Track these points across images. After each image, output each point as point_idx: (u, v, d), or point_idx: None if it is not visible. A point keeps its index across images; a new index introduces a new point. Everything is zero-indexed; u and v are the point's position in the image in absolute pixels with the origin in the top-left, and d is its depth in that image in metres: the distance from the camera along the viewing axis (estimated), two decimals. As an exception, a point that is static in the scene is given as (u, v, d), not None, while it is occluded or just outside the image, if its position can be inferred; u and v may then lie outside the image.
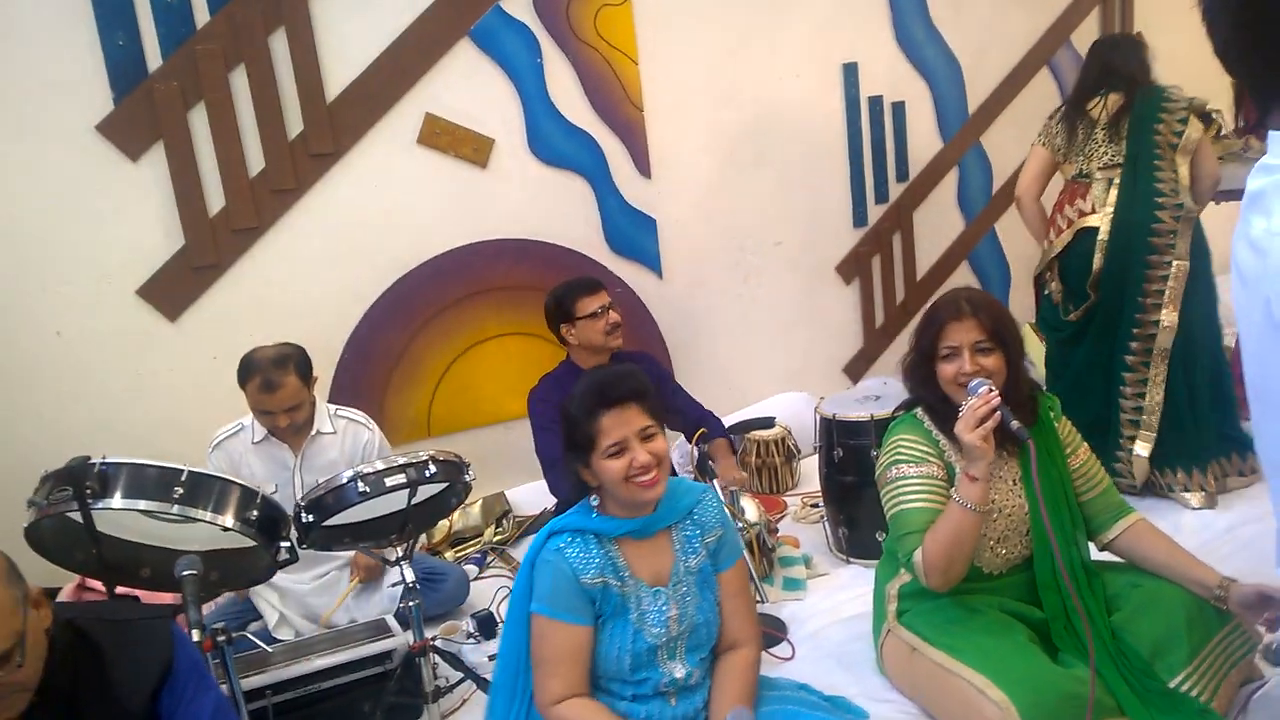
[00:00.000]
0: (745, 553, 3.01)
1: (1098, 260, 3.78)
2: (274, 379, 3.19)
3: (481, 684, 2.83)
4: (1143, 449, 3.75)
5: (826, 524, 3.77)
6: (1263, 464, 1.35)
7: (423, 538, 3.90)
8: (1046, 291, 4.08)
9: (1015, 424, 2.35)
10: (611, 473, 2.13)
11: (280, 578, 3.22)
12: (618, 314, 3.78)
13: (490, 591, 3.73)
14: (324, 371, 3.79)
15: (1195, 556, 2.51)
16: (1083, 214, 3.87)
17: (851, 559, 3.63)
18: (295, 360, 3.27)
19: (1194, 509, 3.67)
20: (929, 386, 2.56)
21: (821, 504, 3.85)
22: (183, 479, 2.38)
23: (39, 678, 1.72)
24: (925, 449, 2.55)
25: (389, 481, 2.62)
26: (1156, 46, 5.87)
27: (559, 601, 2.15)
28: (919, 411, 2.64)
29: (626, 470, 2.12)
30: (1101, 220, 3.79)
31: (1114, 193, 3.80)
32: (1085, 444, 2.67)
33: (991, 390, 2.38)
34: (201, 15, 3.70)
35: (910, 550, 2.45)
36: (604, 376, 2.22)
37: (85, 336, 3.70)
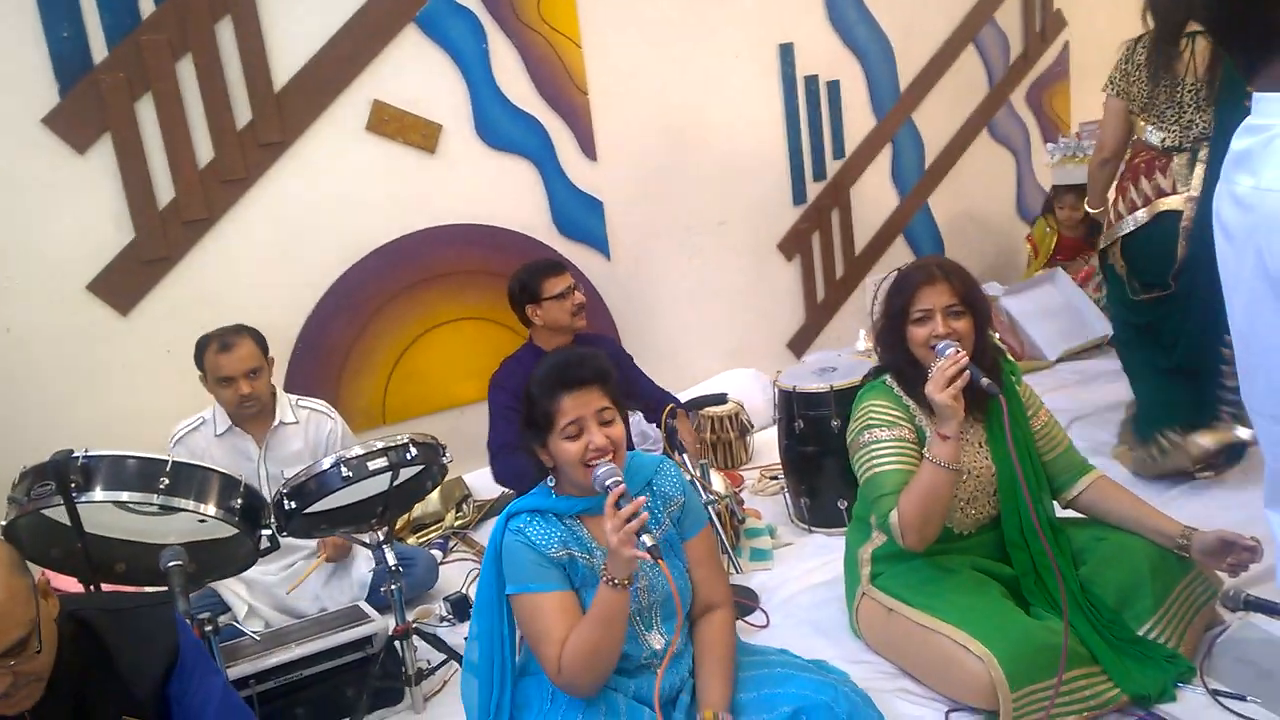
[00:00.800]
0: (716, 524, 3.09)
1: (1181, 248, 3.33)
2: (230, 340, 3.26)
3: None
4: (1245, 433, 3.39)
5: (788, 495, 3.85)
6: (1250, 412, 1.43)
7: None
8: (1109, 262, 3.67)
9: (985, 381, 2.42)
10: (567, 454, 2.14)
11: (248, 570, 3.21)
12: (582, 295, 3.81)
13: (457, 575, 3.75)
14: (278, 363, 3.76)
15: (1156, 508, 2.63)
16: (1161, 193, 3.40)
17: (814, 528, 3.71)
18: (249, 330, 3.34)
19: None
20: (899, 350, 2.63)
21: (781, 475, 3.93)
22: (167, 469, 2.38)
23: (51, 667, 1.72)
24: (896, 413, 2.62)
25: (371, 465, 2.63)
26: (1077, 22, 6.11)
27: (533, 574, 2.17)
28: (887, 378, 2.71)
29: (582, 453, 2.13)
30: (1185, 204, 3.33)
31: (1199, 171, 3.31)
32: (1045, 406, 2.77)
33: (959, 351, 2.44)
34: (147, 5, 3.64)
35: (886, 511, 2.52)
36: (566, 357, 2.24)
37: (35, 333, 3.63)
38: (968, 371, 2.41)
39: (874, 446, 2.60)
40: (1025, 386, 2.76)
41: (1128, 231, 3.50)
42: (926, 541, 2.50)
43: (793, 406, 3.68)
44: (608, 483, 2.04)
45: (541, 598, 2.15)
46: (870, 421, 2.63)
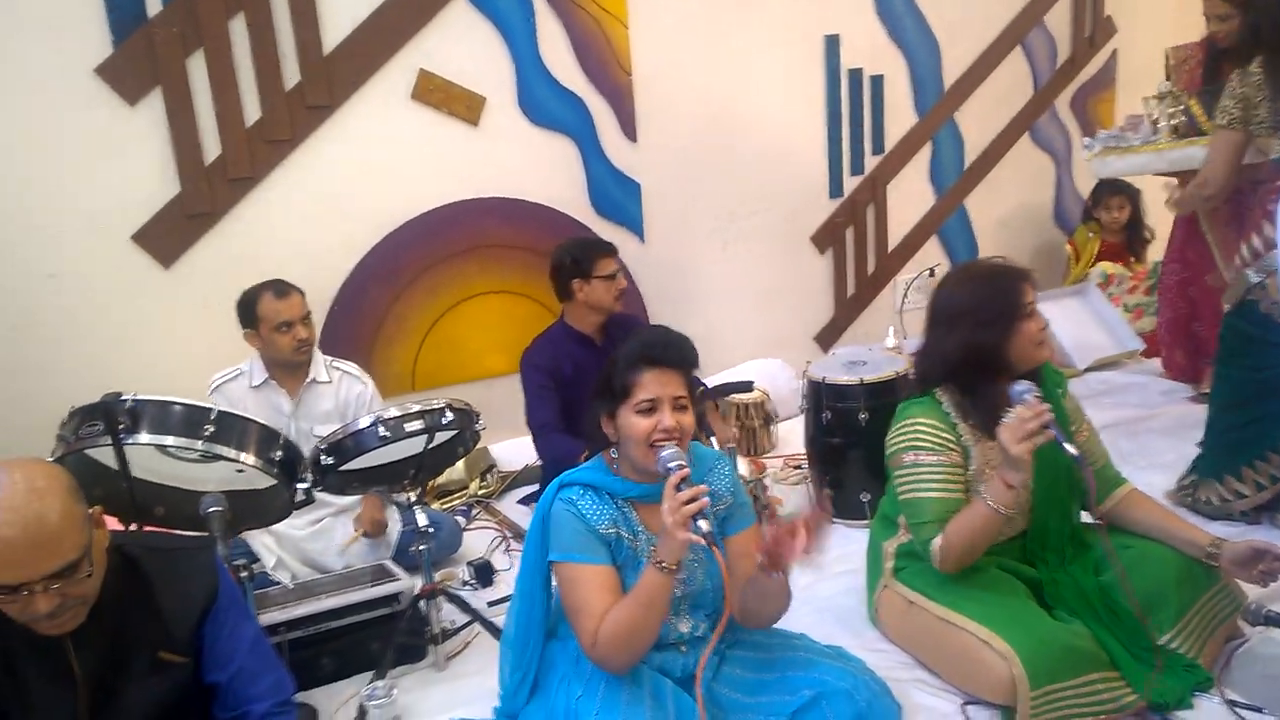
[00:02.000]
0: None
1: None
2: (284, 288, 3.35)
3: (489, 628, 2.90)
4: None
5: (811, 485, 3.87)
6: None
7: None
8: (1251, 299, 3.22)
9: (1072, 449, 2.36)
10: (636, 429, 2.15)
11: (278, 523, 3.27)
12: (624, 280, 3.85)
13: (479, 542, 3.81)
14: (315, 323, 3.80)
15: (1185, 519, 2.64)
16: None
17: (836, 519, 3.72)
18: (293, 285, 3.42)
19: None
20: (982, 363, 2.52)
21: (805, 465, 3.95)
22: (212, 417, 2.43)
23: (97, 593, 1.77)
24: (945, 436, 2.57)
25: (408, 427, 2.68)
26: (1127, 30, 6.08)
27: (579, 545, 2.19)
28: (938, 392, 2.64)
29: (650, 431, 2.14)
30: None
31: None
32: (1087, 420, 2.76)
33: (1042, 399, 2.39)
34: (202, -39, 3.69)
35: (927, 539, 2.52)
36: (660, 336, 2.24)
37: (80, 280, 3.69)
38: (1050, 430, 2.34)
39: (920, 470, 2.56)
40: (1071, 398, 2.74)
41: (1252, 284, 3.19)
42: (962, 569, 2.53)
43: (821, 398, 3.70)
44: (671, 465, 2.06)
45: (586, 569, 2.18)
46: (918, 443, 2.57)
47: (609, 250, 3.83)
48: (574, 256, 3.77)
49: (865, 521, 3.30)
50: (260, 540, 3.36)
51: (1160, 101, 4.15)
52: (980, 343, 2.52)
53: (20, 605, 1.66)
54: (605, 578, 2.18)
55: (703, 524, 1.98)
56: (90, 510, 1.75)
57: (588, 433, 2.35)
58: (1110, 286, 5.56)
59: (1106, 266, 5.60)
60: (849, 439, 3.64)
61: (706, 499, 2.00)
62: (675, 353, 2.20)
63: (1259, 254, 3.18)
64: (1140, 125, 4.32)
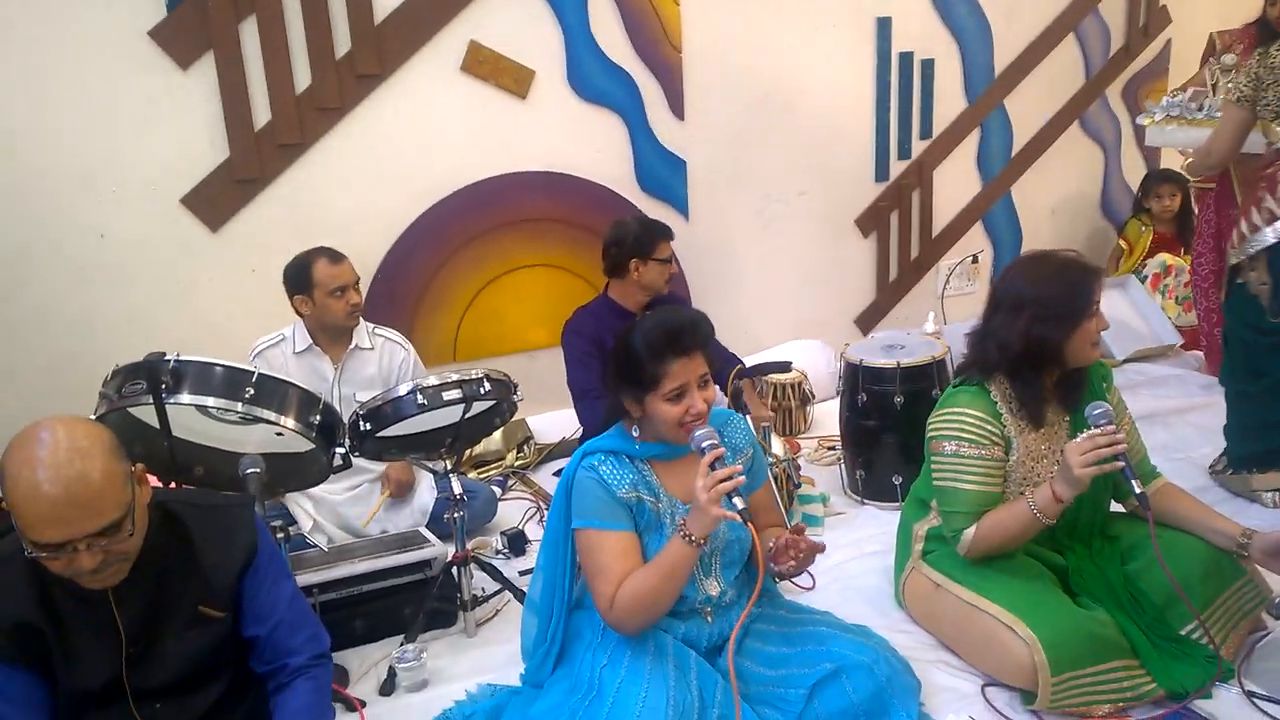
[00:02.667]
0: (772, 485, 3.13)
1: None
2: (336, 254, 3.39)
3: (519, 595, 2.94)
4: None
5: (844, 466, 3.88)
6: None
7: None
8: (1241, 281, 3.40)
9: (1139, 487, 2.36)
10: (668, 415, 2.19)
11: (316, 487, 3.32)
12: (676, 265, 3.86)
13: (513, 512, 3.85)
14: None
15: (1217, 511, 2.64)
16: None
17: (867, 501, 3.75)
18: None
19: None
20: (1044, 358, 2.52)
21: (839, 447, 3.97)
22: (253, 380, 2.47)
23: (139, 550, 1.82)
24: (989, 429, 2.55)
25: (446, 396, 2.72)
26: (1181, 20, 5.98)
27: (601, 511, 2.23)
28: (987, 381, 2.61)
29: (682, 415, 2.18)
30: None
31: None
32: (1129, 413, 2.74)
33: (1114, 427, 2.37)
34: (256, -72, 3.73)
35: (959, 529, 2.55)
36: (679, 321, 2.24)
37: (128, 240, 3.76)
38: (1121, 463, 2.33)
39: (960, 461, 2.56)
40: (1114, 391, 2.72)
41: (1270, 244, 3.26)
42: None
43: (858, 380, 3.70)
44: (704, 445, 2.10)
45: (605, 535, 2.22)
46: (962, 434, 2.56)
47: (669, 235, 3.85)
48: (636, 235, 3.78)
49: (896, 504, 3.30)
50: (298, 504, 3.42)
51: (1225, 73, 4.08)
52: (1042, 336, 2.49)
53: (64, 562, 1.71)
54: (625, 543, 2.22)
55: (737, 501, 2.02)
56: (133, 468, 1.80)
57: (609, 412, 2.39)
58: (1167, 278, 5.49)
59: (1166, 258, 5.52)
60: (883, 422, 3.65)
61: (742, 478, 2.04)
62: (699, 336, 2.23)
63: (1275, 216, 3.24)
64: (1205, 99, 4.24)
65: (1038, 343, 2.49)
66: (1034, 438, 2.58)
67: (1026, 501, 2.45)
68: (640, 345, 2.20)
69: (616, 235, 3.83)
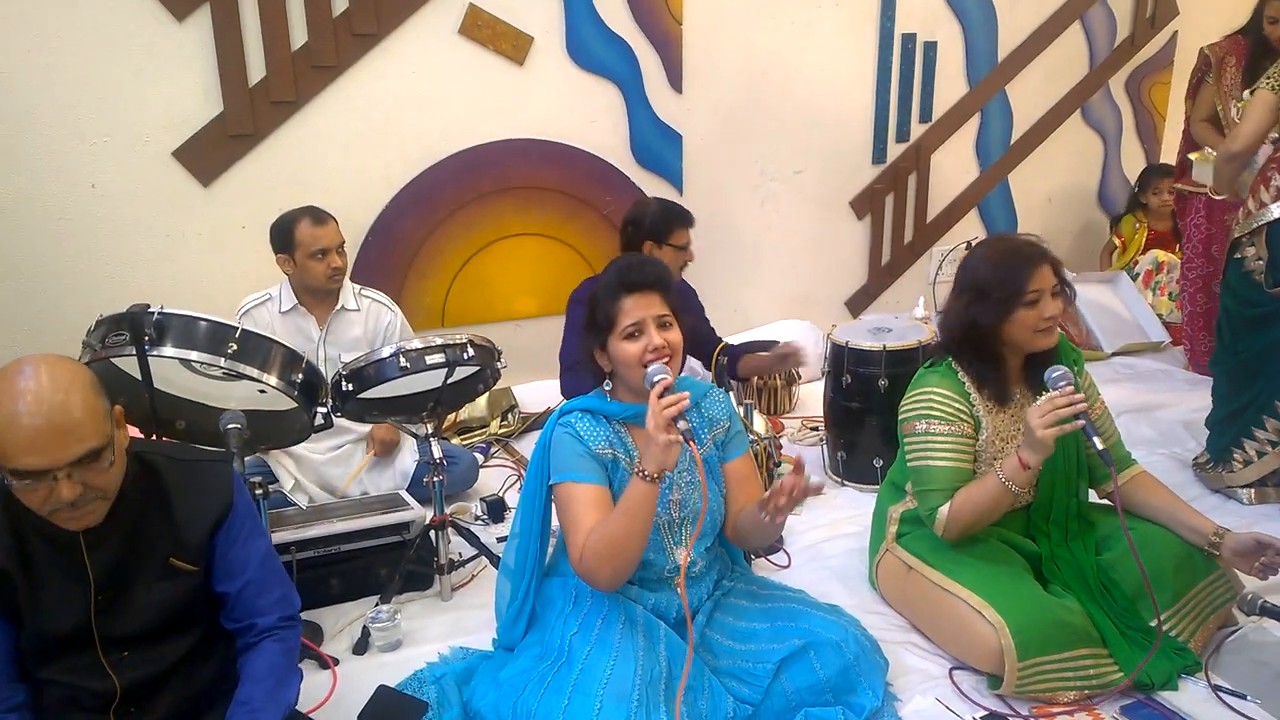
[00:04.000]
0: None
1: None
2: (321, 215, 3.36)
3: (495, 561, 2.95)
4: None
5: (825, 447, 3.90)
6: None
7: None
8: (1239, 256, 3.47)
9: (1099, 444, 2.36)
10: (626, 354, 2.21)
11: (298, 446, 3.33)
12: (693, 254, 3.81)
13: (494, 479, 3.86)
14: (348, 251, 3.84)
15: (1192, 506, 2.65)
16: None
17: (847, 482, 3.77)
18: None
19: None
20: (985, 335, 2.55)
21: (822, 427, 3.98)
22: (236, 336, 2.47)
23: (117, 490, 1.82)
24: (958, 406, 2.58)
25: (429, 360, 2.72)
26: (1189, 13, 5.95)
27: (577, 465, 2.25)
28: (954, 361, 2.64)
29: (641, 354, 2.20)
30: None
31: None
32: (1101, 397, 2.76)
33: (1074, 388, 2.38)
34: (255, -123, 3.70)
35: (933, 506, 2.55)
36: (630, 261, 2.31)
37: (120, 192, 3.75)
38: (1082, 421, 2.34)
39: (931, 439, 2.58)
40: (1086, 375, 2.73)
41: (1273, 219, 3.34)
42: (965, 537, 2.56)
43: (843, 361, 3.71)
44: (655, 379, 2.11)
45: (578, 488, 2.23)
46: (931, 412, 2.58)
47: (688, 222, 3.79)
48: (655, 218, 3.72)
49: (876, 487, 3.31)
50: (280, 462, 3.42)
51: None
52: (973, 320, 2.54)
53: (44, 493, 1.70)
54: (597, 495, 2.23)
55: (680, 423, 2.03)
56: (113, 406, 1.80)
57: (582, 365, 2.42)
58: (1160, 274, 5.51)
59: (1159, 254, 5.56)
60: (867, 404, 3.66)
61: (687, 401, 2.06)
62: (649, 274, 2.25)
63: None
64: None
65: (972, 328, 2.55)
66: (1002, 418, 2.61)
67: (996, 473, 2.47)
68: (599, 290, 2.27)
69: (635, 215, 3.78)
